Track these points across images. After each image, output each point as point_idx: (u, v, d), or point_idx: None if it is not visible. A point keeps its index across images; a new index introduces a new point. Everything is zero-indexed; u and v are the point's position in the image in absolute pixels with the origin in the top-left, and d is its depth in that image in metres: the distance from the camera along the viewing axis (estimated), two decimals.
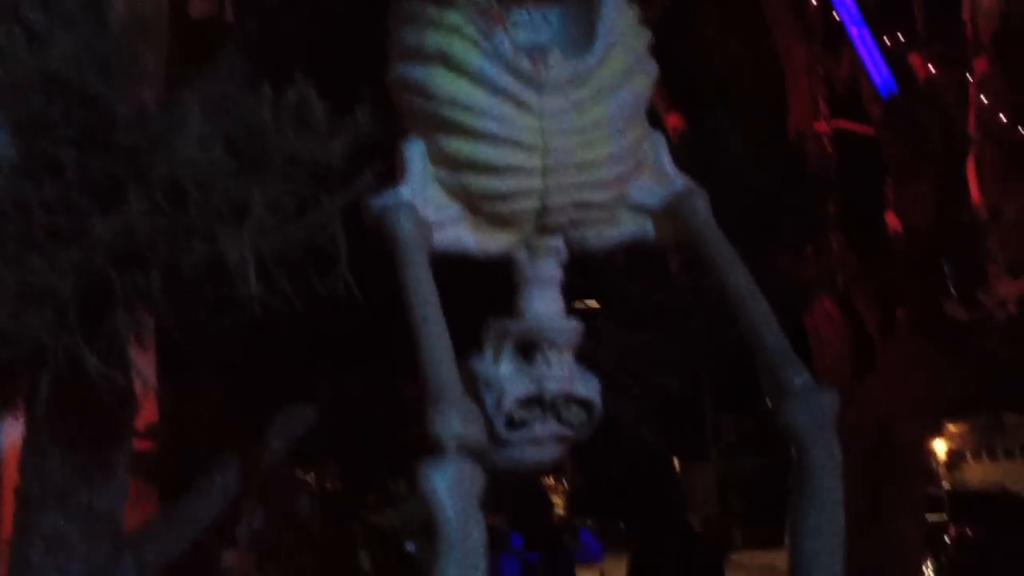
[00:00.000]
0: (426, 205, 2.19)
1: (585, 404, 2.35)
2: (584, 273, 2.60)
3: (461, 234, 2.27)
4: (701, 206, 2.33)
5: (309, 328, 2.67)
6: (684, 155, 2.52)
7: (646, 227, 2.39)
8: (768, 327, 2.18)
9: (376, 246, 2.14)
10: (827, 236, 5.80)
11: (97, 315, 1.74)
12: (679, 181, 2.37)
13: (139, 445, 4.36)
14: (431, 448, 1.89)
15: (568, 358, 2.35)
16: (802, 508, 2.03)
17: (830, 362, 7.72)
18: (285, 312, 2.17)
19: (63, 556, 2.31)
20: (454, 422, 1.89)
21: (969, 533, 13.43)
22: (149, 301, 1.76)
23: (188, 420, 4.34)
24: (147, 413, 4.64)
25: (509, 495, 7.89)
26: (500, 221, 2.28)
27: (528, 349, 2.33)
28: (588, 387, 2.36)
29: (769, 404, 2.11)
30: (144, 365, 4.39)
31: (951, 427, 14.69)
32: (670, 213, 2.36)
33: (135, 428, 2.52)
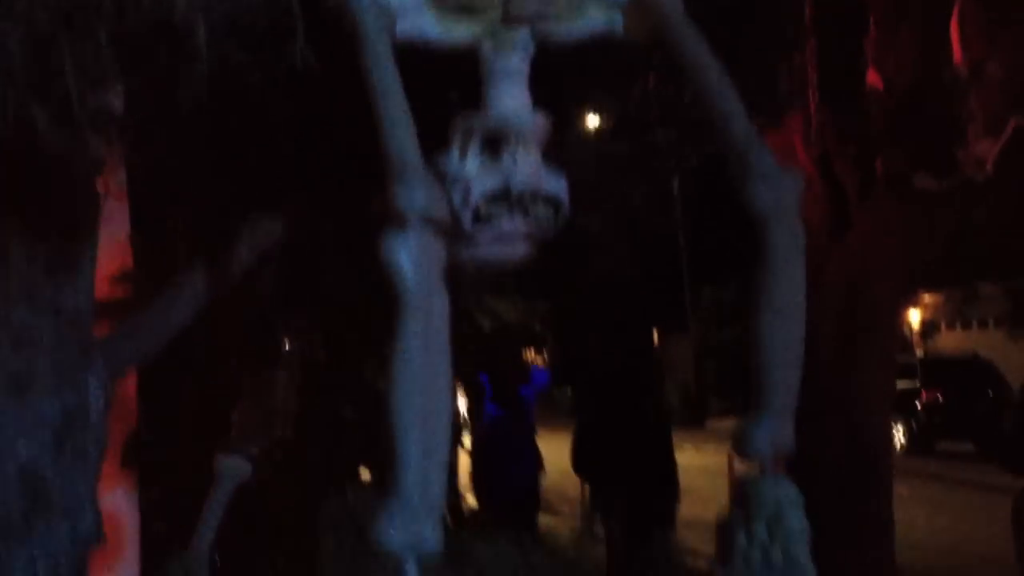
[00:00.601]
0: None
1: (552, 201, 2.34)
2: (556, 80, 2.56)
3: (424, 22, 2.22)
4: None
5: (272, 137, 2.64)
6: None
7: (615, 20, 2.34)
8: (736, 115, 2.16)
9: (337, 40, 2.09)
10: (801, 49, 5.74)
11: (47, 79, 1.70)
12: None
13: (113, 292, 4.38)
14: (393, 222, 1.89)
15: (535, 154, 2.33)
16: (763, 288, 2.05)
17: (807, 224, 7.73)
18: (245, 107, 2.13)
19: (32, 352, 2.32)
20: (417, 195, 1.89)
21: (939, 398, 13.77)
22: (100, 67, 1.71)
23: (160, 259, 4.34)
24: (122, 259, 4.66)
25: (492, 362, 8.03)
26: (464, 8, 2.23)
27: (495, 145, 2.31)
28: (555, 184, 2.35)
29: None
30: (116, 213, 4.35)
31: (926, 297, 14.89)
32: (639, 4, 2.31)
33: (100, 231, 2.49)
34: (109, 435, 2.69)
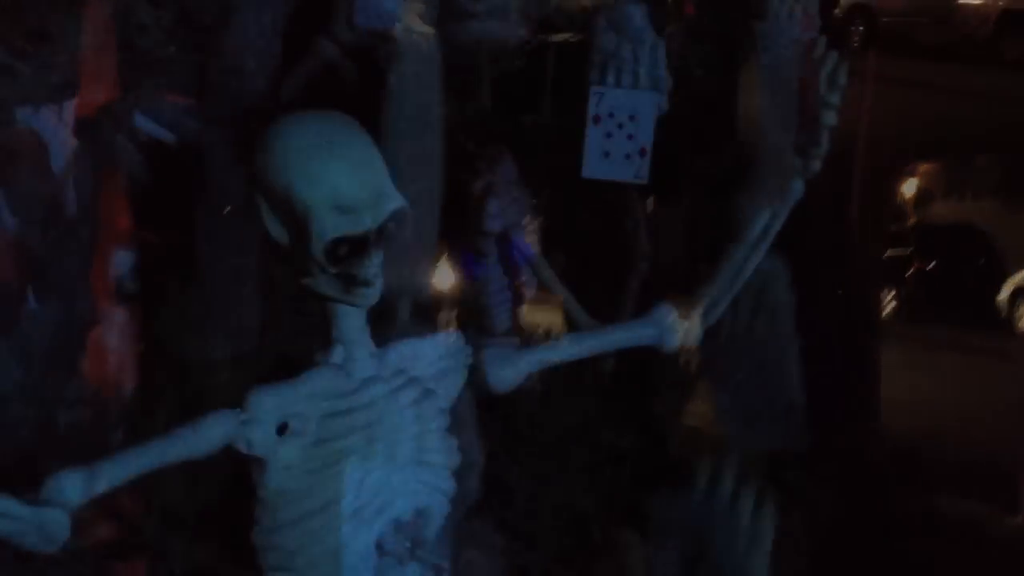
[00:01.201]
0: None
1: None
2: None
3: None
4: None
5: None
6: None
7: None
8: None
9: None
10: None
11: None
12: None
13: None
14: None
15: None
16: (758, 82, 2.02)
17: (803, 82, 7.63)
18: None
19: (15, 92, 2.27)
20: None
21: (931, 265, 13.84)
22: None
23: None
24: (110, 92, 4.57)
25: None
26: None
27: None
28: None
29: None
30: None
31: (922, 166, 14.79)
32: None
33: None
34: (103, 267, 2.66)
